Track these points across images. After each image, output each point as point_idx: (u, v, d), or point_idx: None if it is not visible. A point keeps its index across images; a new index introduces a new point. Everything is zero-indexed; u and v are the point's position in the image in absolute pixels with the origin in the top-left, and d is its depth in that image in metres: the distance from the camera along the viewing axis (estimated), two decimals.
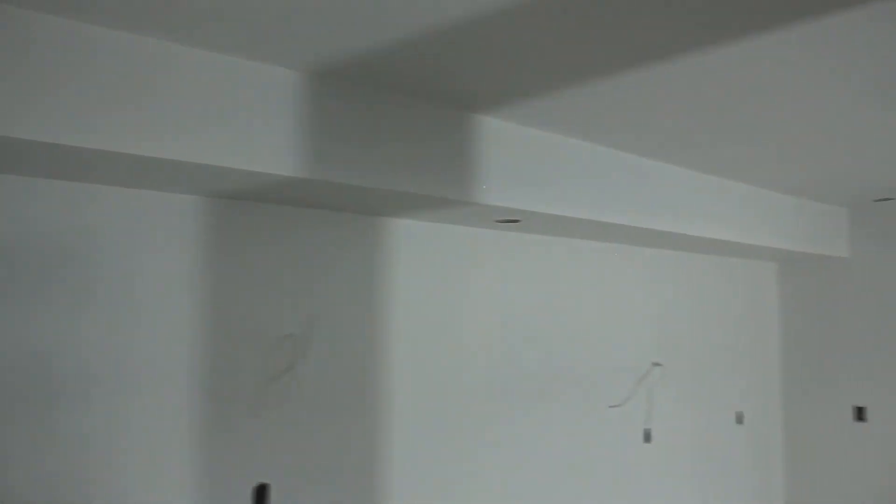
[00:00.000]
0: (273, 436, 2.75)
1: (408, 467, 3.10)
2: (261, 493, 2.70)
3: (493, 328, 3.44)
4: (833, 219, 4.81)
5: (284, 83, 2.31)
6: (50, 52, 1.91)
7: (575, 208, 3.10)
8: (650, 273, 4.23)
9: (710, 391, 4.57)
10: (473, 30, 2.01)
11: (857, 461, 4.79)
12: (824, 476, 4.94)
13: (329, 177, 2.40)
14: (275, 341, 2.77)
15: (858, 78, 2.43)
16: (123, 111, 2.00)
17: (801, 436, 5.07)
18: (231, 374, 2.67)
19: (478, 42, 2.10)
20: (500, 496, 3.41)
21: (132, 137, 2.01)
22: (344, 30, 2.01)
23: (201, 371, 2.59)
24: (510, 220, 3.16)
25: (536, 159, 2.99)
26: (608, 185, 3.26)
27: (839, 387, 4.90)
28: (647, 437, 4.06)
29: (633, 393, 4.00)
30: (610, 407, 3.89)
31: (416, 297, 3.18)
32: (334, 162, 2.41)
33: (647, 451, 4.09)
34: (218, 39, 2.08)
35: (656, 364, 4.13)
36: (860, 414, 4.81)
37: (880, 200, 4.64)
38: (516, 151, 2.92)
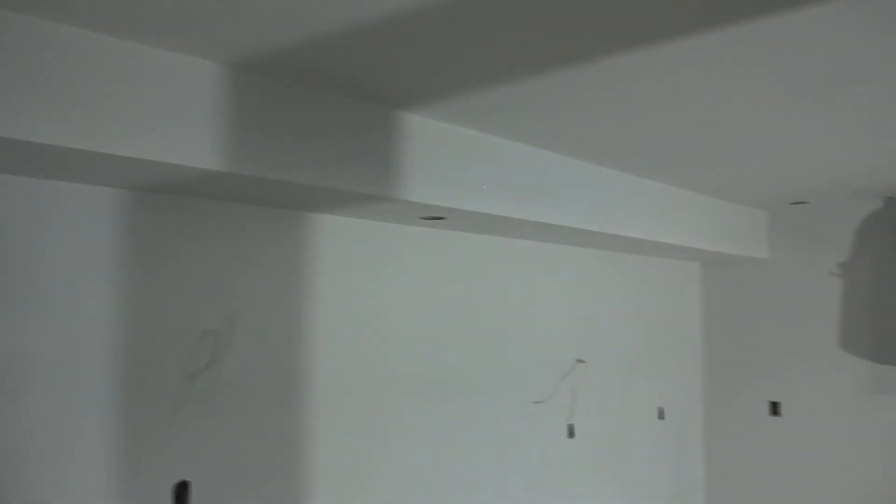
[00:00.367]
0: (193, 433, 2.72)
1: (331, 463, 3.10)
2: (181, 491, 2.66)
3: (419, 325, 3.46)
4: (753, 221, 4.96)
5: (206, 75, 2.28)
6: None
7: (500, 206, 3.14)
8: (575, 271, 4.30)
9: (633, 387, 4.67)
10: (398, 26, 2.01)
11: (772, 453, 4.96)
12: (742, 468, 5.09)
13: (251, 171, 2.38)
14: (195, 337, 2.74)
15: (776, 83, 2.51)
16: (34, 99, 1.95)
17: (719, 430, 5.22)
18: (150, 371, 2.62)
19: (402, 38, 2.11)
20: (425, 492, 3.43)
21: (44, 126, 1.96)
22: (268, 23, 2.00)
23: (118, 368, 2.54)
24: (435, 218, 3.18)
25: (461, 157, 3.01)
26: (533, 183, 3.30)
27: (756, 383, 5.06)
28: (571, 432, 4.13)
29: (556, 389, 4.06)
30: (534, 403, 3.94)
31: (340, 293, 3.17)
32: (256, 156, 2.39)
33: (571, 446, 4.16)
34: (139, 29, 2.04)
35: (580, 361, 4.20)
36: (775, 409, 4.98)
37: (797, 204, 4.80)
38: (441, 149, 2.94)
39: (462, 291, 3.65)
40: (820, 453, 4.78)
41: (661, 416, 4.86)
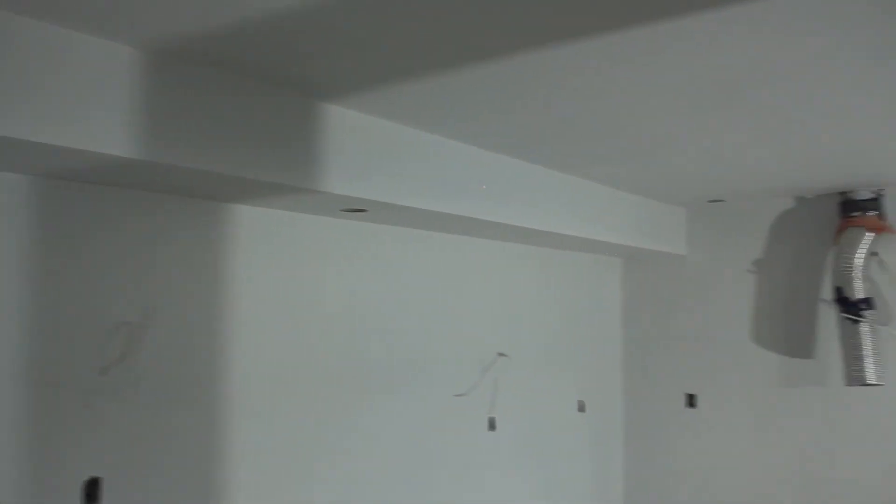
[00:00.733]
0: (105, 428, 2.64)
1: (250, 460, 3.05)
2: (91, 489, 2.59)
3: (340, 318, 3.44)
4: (672, 218, 5.07)
5: (122, 60, 2.22)
6: None
7: (421, 200, 3.14)
8: (497, 265, 4.34)
9: (554, 381, 4.74)
10: (318, 15, 2.00)
11: (689, 444, 5.10)
12: (659, 458, 5.22)
13: (167, 159, 2.33)
14: (108, 330, 2.67)
15: (688, 83, 2.57)
16: None
17: (638, 422, 5.34)
18: (60, 363, 2.54)
19: (322, 29, 2.09)
20: (345, 486, 3.42)
21: None
22: (187, 7, 1.95)
23: (26, 361, 2.46)
24: (356, 210, 3.17)
25: (383, 150, 3.01)
26: (456, 177, 3.31)
27: (673, 376, 5.19)
28: (492, 425, 4.17)
29: (478, 382, 4.09)
30: (455, 396, 3.96)
31: (260, 285, 3.13)
32: (173, 144, 2.34)
33: (492, 439, 4.19)
34: (52, 10, 1.97)
35: (501, 354, 4.23)
36: (691, 401, 5.11)
37: (714, 202, 4.94)
38: (363, 141, 2.93)
39: (384, 285, 3.65)
40: (733, 443, 4.93)
41: (581, 408, 4.94)
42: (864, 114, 2.96)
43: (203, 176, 2.50)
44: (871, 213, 4.36)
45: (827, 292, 4.50)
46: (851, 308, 4.22)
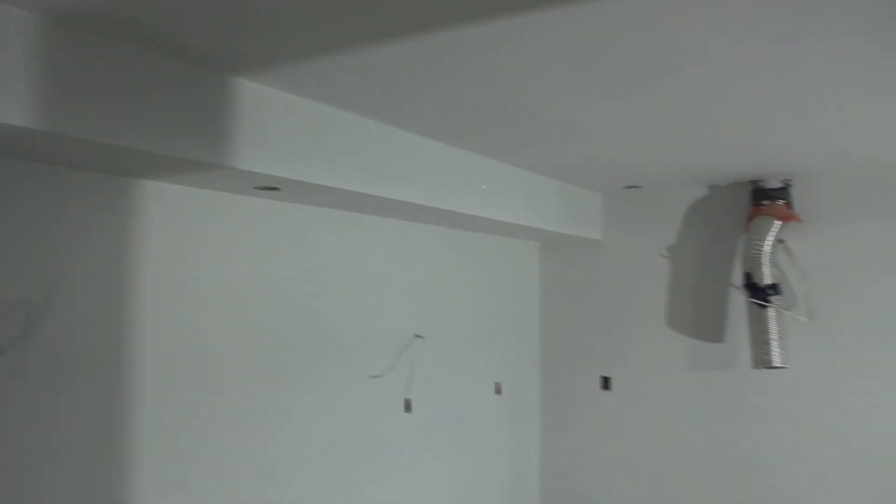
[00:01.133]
0: (3, 410, 2.55)
1: (157, 442, 2.97)
2: None
3: (253, 298, 3.38)
4: (589, 203, 5.14)
5: (21, 25, 2.12)
6: None
7: (335, 179, 3.10)
8: (415, 247, 4.33)
9: (471, 363, 4.76)
10: None
11: (604, 425, 5.20)
12: (575, 440, 5.31)
13: (70, 131, 2.24)
14: (6, 307, 2.56)
15: (604, 68, 2.59)
16: None
17: (555, 404, 5.42)
18: None
19: (236, 1, 2.04)
20: (259, 468, 3.38)
21: None
22: None
23: None
24: (269, 188, 3.11)
25: (298, 127, 2.96)
26: (371, 157, 3.28)
27: (589, 359, 5.28)
28: (408, 406, 4.17)
29: (394, 364, 4.08)
30: (371, 377, 3.94)
31: (170, 263, 3.05)
32: (74, 115, 2.25)
33: (408, 421, 4.20)
34: None
35: (418, 336, 4.23)
36: (606, 383, 5.21)
37: (630, 188, 5.02)
38: (277, 118, 2.87)
39: (299, 264, 3.60)
40: (647, 425, 5.04)
41: (498, 391, 4.99)
42: (772, 105, 3.03)
43: (108, 149, 2.41)
44: (780, 201, 4.49)
45: (737, 278, 4.62)
46: (759, 293, 4.34)
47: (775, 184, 4.52)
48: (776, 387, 4.59)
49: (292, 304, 3.56)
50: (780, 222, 4.41)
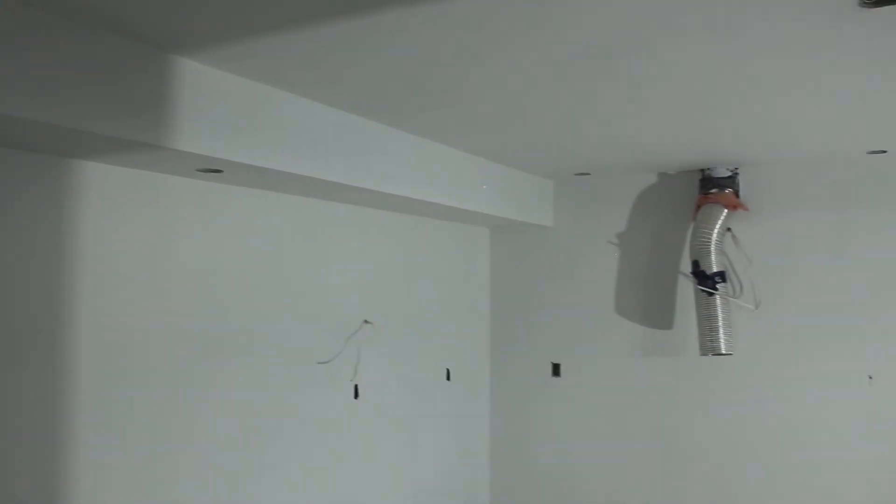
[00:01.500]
0: None
1: (97, 426, 2.89)
2: None
3: (196, 282, 3.31)
4: (540, 189, 5.14)
5: None
6: None
7: (281, 162, 3.04)
8: (364, 232, 4.28)
9: (421, 349, 4.74)
10: None
11: (553, 412, 5.22)
12: (524, 425, 5.33)
13: (2, 108, 2.16)
14: None
15: (554, 53, 2.57)
16: None
17: (504, 390, 5.42)
18: None
19: None
20: (204, 454, 3.31)
21: None
22: None
23: None
24: (212, 170, 3.04)
25: (241, 108, 2.89)
26: (315, 140, 3.23)
27: (539, 345, 5.29)
28: (356, 392, 4.13)
29: (342, 350, 4.04)
30: (318, 363, 3.90)
31: (109, 246, 2.96)
32: (3, 91, 2.17)
33: (356, 407, 4.16)
34: None
35: (367, 322, 4.20)
36: (556, 370, 5.23)
37: (580, 175, 5.02)
38: (219, 98, 2.80)
39: (244, 248, 3.53)
40: (595, 411, 5.07)
41: (448, 376, 4.97)
42: (718, 93, 3.04)
43: (41, 128, 2.32)
44: (728, 190, 4.53)
45: (685, 266, 4.66)
46: (707, 281, 4.38)
47: (723, 172, 4.56)
48: (722, 373, 4.65)
49: (236, 289, 3.49)
50: (728, 210, 4.46)
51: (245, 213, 3.53)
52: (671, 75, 2.81)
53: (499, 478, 5.41)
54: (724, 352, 4.35)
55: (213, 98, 2.78)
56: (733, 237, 4.56)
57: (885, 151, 4.12)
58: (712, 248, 4.39)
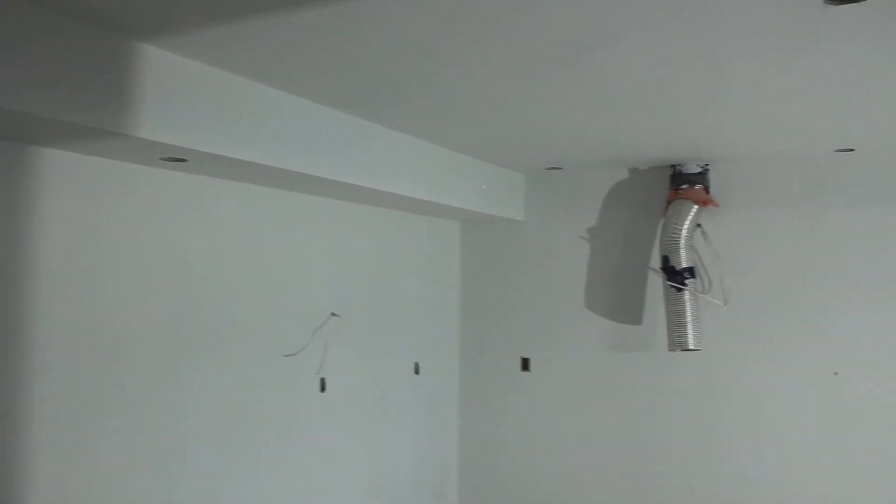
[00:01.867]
0: None
1: (56, 421, 2.83)
2: None
3: (161, 274, 3.25)
4: (511, 183, 5.13)
5: None
6: None
7: (246, 152, 3.00)
8: (332, 224, 4.24)
9: (389, 342, 4.71)
10: None
11: (522, 406, 5.22)
12: (493, 420, 5.33)
13: None
14: None
15: (524, 46, 2.55)
16: None
17: (474, 385, 5.41)
18: None
19: None
20: (168, 449, 3.26)
21: None
22: None
23: None
24: (176, 160, 3.00)
25: (207, 97, 2.84)
26: (283, 130, 3.19)
27: (509, 340, 5.28)
28: (323, 386, 4.11)
29: (309, 342, 4.01)
30: (284, 356, 3.87)
31: (71, 237, 2.90)
32: None
33: (323, 400, 4.13)
34: None
35: (334, 315, 4.17)
36: (525, 364, 5.23)
37: (552, 169, 5.02)
38: (182, 86, 2.75)
39: (209, 239, 3.48)
40: (564, 406, 5.08)
41: (416, 370, 4.96)
42: (687, 90, 3.04)
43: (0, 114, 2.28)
44: (698, 186, 4.55)
45: (655, 261, 4.67)
46: (676, 277, 4.40)
47: (694, 168, 4.58)
48: (690, 369, 4.67)
49: (202, 281, 3.45)
50: (698, 206, 4.47)
51: (211, 203, 3.49)
52: (639, 71, 2.80)
53: (467, 471, 5.41)
54: (692, 347, 4.37)
55: (179, 87, 2.74)
56: (703, 233, 4.58)
57: (852, 150, 4.15)
58: (682, 243, 4.41)
